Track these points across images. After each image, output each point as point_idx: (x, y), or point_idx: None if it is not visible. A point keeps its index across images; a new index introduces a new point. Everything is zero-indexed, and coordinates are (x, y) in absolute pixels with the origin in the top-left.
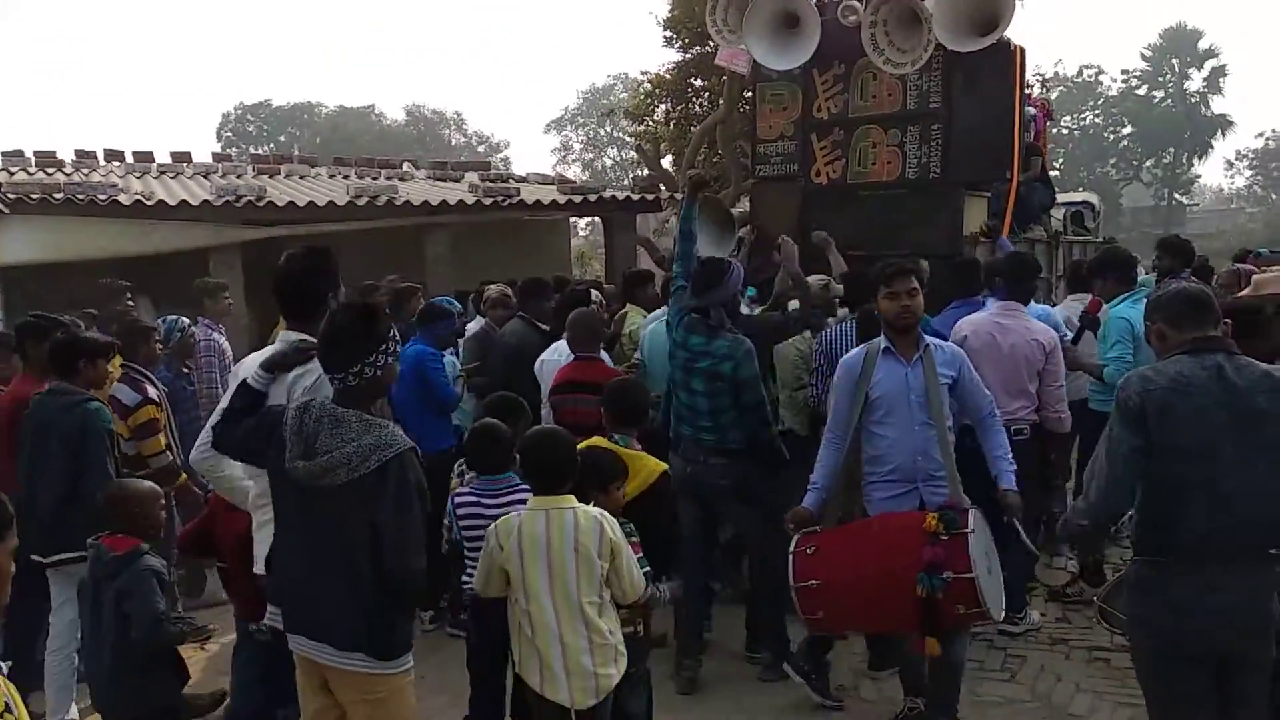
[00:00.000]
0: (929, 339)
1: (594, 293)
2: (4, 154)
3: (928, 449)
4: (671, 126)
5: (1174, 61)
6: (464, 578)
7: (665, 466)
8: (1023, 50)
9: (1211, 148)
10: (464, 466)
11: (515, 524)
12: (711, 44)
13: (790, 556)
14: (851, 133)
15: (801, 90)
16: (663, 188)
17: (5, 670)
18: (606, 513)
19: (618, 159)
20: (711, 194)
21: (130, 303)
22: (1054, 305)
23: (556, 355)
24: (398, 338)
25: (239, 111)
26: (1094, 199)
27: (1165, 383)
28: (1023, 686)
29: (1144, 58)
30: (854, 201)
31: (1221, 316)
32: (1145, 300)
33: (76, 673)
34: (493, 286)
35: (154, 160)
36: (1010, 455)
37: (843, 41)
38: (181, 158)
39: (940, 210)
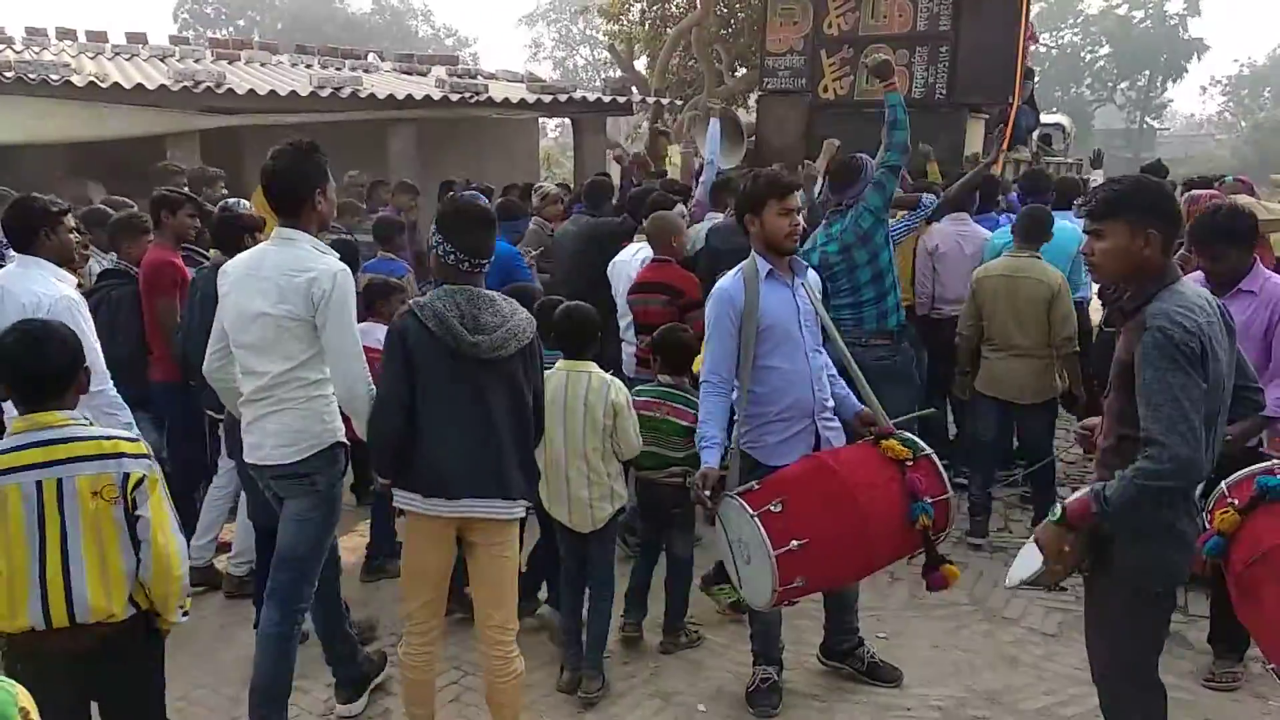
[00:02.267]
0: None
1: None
2: None
3: (821, 378)
4: (646, 27)
5: None
6: None
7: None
8: None
9: (1186, 71)
10: None
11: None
12: None
13: (754, 521)
14: (861, 50)
15: (813, 6)
16: (634, 90)
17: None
18: (616, 379)
19: (590, 59)
20: (730, 113)
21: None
22: None
23: (627, 257)
24: None
25: None
26: (1065, 122)
27: (1204, 320)
28: (961, 591)
29: None
30: (859, 118)
31: None
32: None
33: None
34: (548, 184)
35: (108, 40)
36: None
37: None
38: (137, 39)
39: (943, 130)
